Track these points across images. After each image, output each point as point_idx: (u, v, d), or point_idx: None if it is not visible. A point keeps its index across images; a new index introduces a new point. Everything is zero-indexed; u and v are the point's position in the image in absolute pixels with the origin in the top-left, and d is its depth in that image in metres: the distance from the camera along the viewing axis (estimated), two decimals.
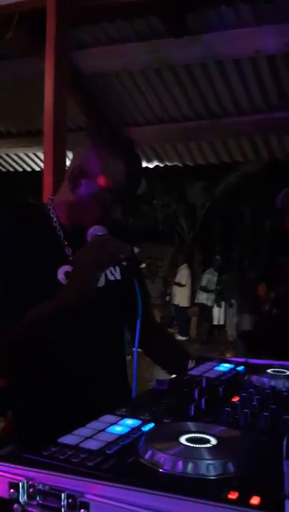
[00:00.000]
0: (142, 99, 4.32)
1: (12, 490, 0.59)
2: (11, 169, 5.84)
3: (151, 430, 0.74)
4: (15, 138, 5.07)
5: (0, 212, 1.27)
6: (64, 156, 2.75)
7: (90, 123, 4.44)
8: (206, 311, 9.94)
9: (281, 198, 1.72)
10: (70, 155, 1.15)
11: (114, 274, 1.31)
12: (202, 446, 0.64)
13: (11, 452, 0.65)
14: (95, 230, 1.18)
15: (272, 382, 0.96)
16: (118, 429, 0.73)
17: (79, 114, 4.37)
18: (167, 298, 10.99)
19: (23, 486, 0.59)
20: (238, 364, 1.15)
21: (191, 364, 1.17)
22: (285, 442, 0.66)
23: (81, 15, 3.32)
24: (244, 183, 12.26)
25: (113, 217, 1.22)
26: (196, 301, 10.24)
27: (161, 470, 0.60)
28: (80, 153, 1.24)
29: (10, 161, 5.67)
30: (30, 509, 0.59)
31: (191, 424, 0.72)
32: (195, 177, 11.82)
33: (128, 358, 1.37)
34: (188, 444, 0.65)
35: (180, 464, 0.60)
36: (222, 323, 10.04)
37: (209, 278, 9.98)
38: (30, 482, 0.59)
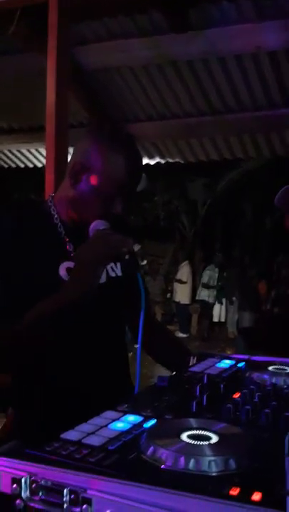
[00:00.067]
0: (144, 95, 4.32)
1: (15, 485, 0.60)
2: (13, 165, 5.84)
3: (153, 426, 0.74)
4: (17, 134, 5.07)
5: (0, 210, 1.26)
6: (66, 153, 2.74)
7: (92, 119, 4.43)
8: (207, 308, 9.95)
9: (279, 197, 1.71)
10: (71, 151, 1.14)
11: (116, 270, 1.31)
12: (204, 442, 0.64)
13: (13, 448, 0.65)
14: (97, 225, 1.18)
15: (274, 380, 0.96)
16: (120, 425, 0.74)
17: (80, 110, 4.36)
18: (168, 295, 10.99)
19: (25, 482, 0.59)
20: (239, 361, 1.15)
21: (192, 361, 1.17)
22: (287, 439, 0.66)
23: (83, 10, 3.31)
24: (245, 179, 12.25)
25: (114, 213, 1.22)
26: (197, 298, 10.24)
27: (163, 466, 0.61)
28: (81, 148, 1.23)
29: (12, 157, 5.66)
30: (32, 504, 0.59)
31: (192, 421, 0.72)
32: (196, 174, 11.81)
33: (130, 354, 1.37)
34: (190, 441, 0.65)
35: (182, 460, 0.60)
36: (223, 320, 10.05)
37: (210, 274, 9.98)
38: (32, 478, 0.59)
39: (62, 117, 2.74)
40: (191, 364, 1.14)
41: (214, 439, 0.66)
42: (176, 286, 10.25)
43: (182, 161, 5.14)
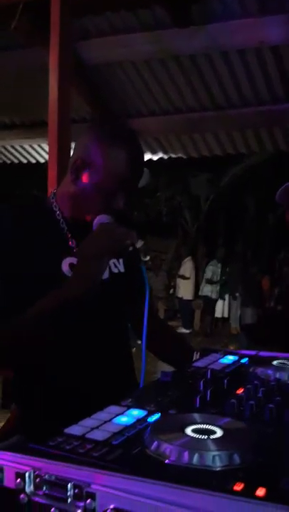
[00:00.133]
0: (146, 90, 4.30)
1: (18, 480, 0.60)
2: (16, 161, 5.84)
3: (156, 421, 0.74)
4: (19, 129, 5.06)
5: (1, 206, 1.25)
6: (68, 149, 2.74)
7: (94, 114, 4.42)
8: (209, 304, 9.94)
9: (281, 193, 1.70)
10: (74, 146, 1.14)
11: (118, 266, 1.30)
12: (208, 437, 0.64)
13: (17, 443, 0.65)
14: (101, 219, 1.17)
15: (277, 375, 0.96)
16: (124, 419, 0.73)
17: (83, 105, 4.35)
18: (171, 291, 11.00)
19: (29, 476, 0.59)
20: (242, 356, 1.14)
21: (195, 356, 1.17)
22: None
23: (85, 5, 3.31)
24: (248, 175, 12.23)
25: (116, 208, 1.21)
26: (200, 294, 10.24)
27: (166, 461, 0.61)
28: (82, 144, 1.22)
29: (14, 152, 5.66)
30: (36, 499, 0.59)
31: (196, 416, 0.72)
32: (199, 169, 11.80)
33: (133, 350, 1.36)
34: (194, 435, 0.65)
35: (186, 454, 0.60)
36: (226, 316, 10.05)
37: (213, 270, 9.97)
38: (36, 472, 0.59)
39: (64, 112, 2.74)
40: (194, 359, 1.13)
41: (218, 433, 0.66)
42: (179, 281, 10.25)
43: (185, 156, 5.13)
